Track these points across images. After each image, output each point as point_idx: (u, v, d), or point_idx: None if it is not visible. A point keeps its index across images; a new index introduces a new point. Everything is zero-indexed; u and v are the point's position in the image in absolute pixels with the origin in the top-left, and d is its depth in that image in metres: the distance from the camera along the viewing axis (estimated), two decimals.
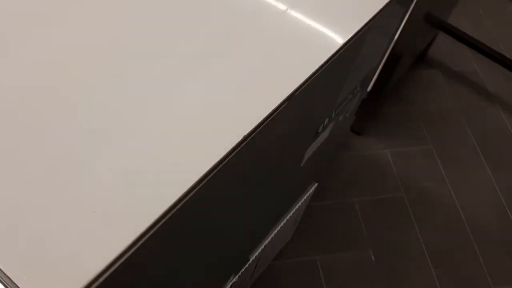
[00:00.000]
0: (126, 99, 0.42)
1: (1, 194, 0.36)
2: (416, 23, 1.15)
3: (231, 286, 0.85)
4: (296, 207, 0.98)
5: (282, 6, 0.51)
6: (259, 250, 0.92)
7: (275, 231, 0.94)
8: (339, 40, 0.50)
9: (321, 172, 0.98)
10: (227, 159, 0.41)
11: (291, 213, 0.97)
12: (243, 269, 0.89)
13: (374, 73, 0.76)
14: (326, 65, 0.49)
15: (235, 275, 0.87)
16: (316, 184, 1.01)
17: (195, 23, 0.48)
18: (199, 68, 0.45)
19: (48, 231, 0.35)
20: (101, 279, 0.34)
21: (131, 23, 0.48)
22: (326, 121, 0.68)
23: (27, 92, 0.41)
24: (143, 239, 0.36)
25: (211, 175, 0.40)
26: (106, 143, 0.40)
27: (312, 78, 0.48)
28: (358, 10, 0.53)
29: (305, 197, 0.99)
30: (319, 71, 0.48)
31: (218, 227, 0.57)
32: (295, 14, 0.51)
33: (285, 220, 0.96)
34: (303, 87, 0.47)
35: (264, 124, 0.43)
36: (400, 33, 1.18)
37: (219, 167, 0.40)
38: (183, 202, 0.38)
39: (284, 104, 0.45)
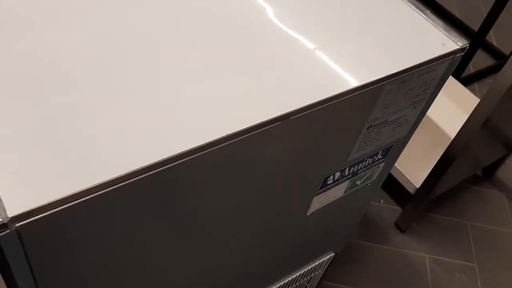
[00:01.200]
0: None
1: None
2: (475, 131, 1.14)
3: None
4: (306, 269, 0.97)
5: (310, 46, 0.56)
6: None
7: None
8: (353, 82, 0.53)
9: (338, 242, 0.97)
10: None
11: (298, 274, 0.96)
12: None
13: (401, 149, 0.77)
14: (332, 102, 0.52)
15: None
16: (333, 254, 1.00)
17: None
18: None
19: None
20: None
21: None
22: (338, 175, 0.70)
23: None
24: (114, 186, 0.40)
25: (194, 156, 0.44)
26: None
27: (315, 109, 0.51)
28: (383, 63, 0.56)
29: (317, 263, 0.98)
30: (324, 105, 0.52)
31: (209, 232, 0.59)
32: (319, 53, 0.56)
33: (290, 278, 0.95)
34: (302, 113, 0.50)
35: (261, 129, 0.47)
36: (456, 136, 1.18)
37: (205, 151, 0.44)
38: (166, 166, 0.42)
39: (281, 121, 0.49)
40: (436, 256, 1.44)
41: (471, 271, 1.42)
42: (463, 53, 0.63)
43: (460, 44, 0.62)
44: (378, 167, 0.77)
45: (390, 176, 1.43)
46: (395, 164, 1.38)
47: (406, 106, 0.66)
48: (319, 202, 0.73)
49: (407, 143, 0.77)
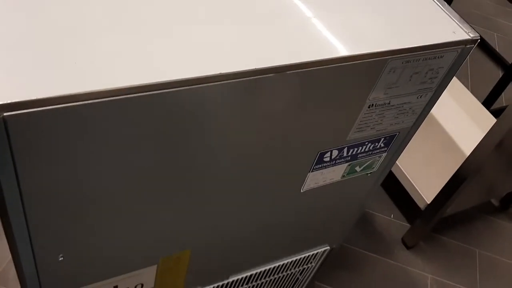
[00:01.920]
0: None
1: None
2: (489, 152, 1.12)
3: None
4: (298, 257, 0.96)
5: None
6: (242, 277, 0.91)
7: (269, 275, 0.93)
8: (355, 51, 0.54)
9: (333, 235, 0.97)
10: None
11: (289, 261, 0.96)
12: (214, 286, 0.89)
13: (405, 143, 0.77)
14: (331, 64, 0.53)
15: (202, 287, 0.87)
16: (328, 248, 1.00)
17: None
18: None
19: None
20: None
21: None
22: (335, 153, 0.70)
23: None
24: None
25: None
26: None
27: (312, 68, 0.52)
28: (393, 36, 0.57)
29: (310, 254, 0.98)
30: (321, 66, 0.53)
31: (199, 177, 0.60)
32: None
33: (281, 263, 0.95)
34: (298, 69, 0.51)
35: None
36: (470, 155, 1.17)
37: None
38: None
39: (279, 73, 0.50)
40: (439, 277, 1.41)
41: None
42: (473, 46, 0.64)
43: (471, 35, 0.63)
44: (379, 156, 0.77)
45: (402, 190, 1.41)
46: (408, 176, 1.37)
47: (411, 92, 0.66)
48: (314, 180, 0.74)
49: (411, 137, 0.77)
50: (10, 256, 1.15)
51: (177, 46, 0.49)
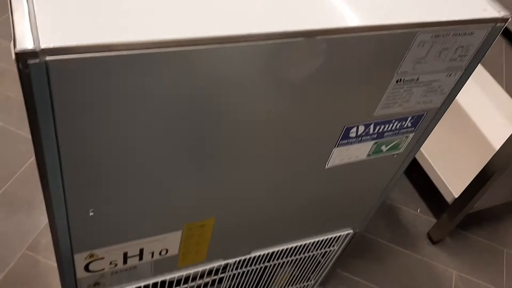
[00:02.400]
0: None
1: None
2: None
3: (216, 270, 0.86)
4: (320, 239, 0.97)
5: None
6: (263, 253, 0.93)
7: (290, 255, 0.94)
8: (384, 21, 0.55)
9: (356, 219, 0.97)
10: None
11: (311, 241, 0.97)
12: (236, 260, 0.90)
13: (433, 124, 0.77)
14: (360, 33, 0.54)
15: (224, 260, 0.89)
16: (351, 232, 1.00)
17: None
18: None
19: None
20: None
21: None
22: (362, 129, 0.71)
23: None
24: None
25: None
26: None
27: (341, 35, 0.53)
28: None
29: (333, 236, 0.99)
30: (350, 34, 0.54)
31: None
32: None
33: (303, 243, 0.96)
34: (327, 35, 0.53)
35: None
36: (499, 149, 1.15)
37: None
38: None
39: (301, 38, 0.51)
40: (464, 274, 1.39)
41: None
42: (504, 24, 0.63)
43: (502, 14, 0.62)
44: (406, 137, 0.78)
45: (430, 184, 1.40)
46: (436, 169, 1.36)
47: (441, 69, 0.66)
48: (339, 156, 0.75)
49: (438, 119, 0.77)
50: (42, 226, 1.19)
51: (209, 8, 0.51)
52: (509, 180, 1.27)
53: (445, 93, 0.72)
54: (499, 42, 2.21)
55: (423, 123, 0.76)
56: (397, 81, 0.65)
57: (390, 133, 0.75)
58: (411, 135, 0.78)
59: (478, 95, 1.54)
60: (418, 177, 1.56)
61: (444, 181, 1.34)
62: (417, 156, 1.42)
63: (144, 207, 0.67)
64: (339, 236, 1.00)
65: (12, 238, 1.16)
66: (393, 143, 0.78)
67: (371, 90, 0.65)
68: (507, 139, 1.14)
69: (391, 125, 0.73)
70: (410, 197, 1.54)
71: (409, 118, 0.74)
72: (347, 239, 1.02)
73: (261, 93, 0.57)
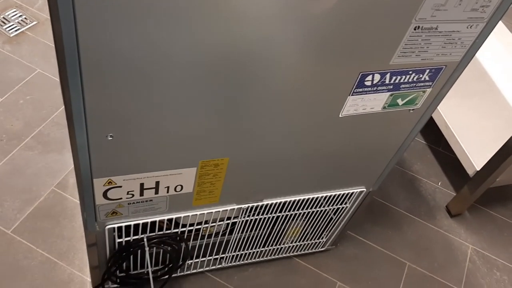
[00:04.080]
0: None
1: None
2: None
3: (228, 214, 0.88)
4: (333, 194, 0.99)
5: None
6: (275, 202, 0.95)
7: (303, 207, 0.95)
8: None
9: (370, 177, 0.98)
10: None
11: (324, 196, 0.99)
12: (248, 206, 0.93)
13: (452, 81, 0.77)
14: None
15: (237, 205, 0.92)
16: (364, 190, 1.01)
17: None
18: None
19: None
20: None
21: None
22: (377, 78, 0.72)
23: None
24: None
25: None
26: None
27: None
28: None
29: (345, 192, 1.00)
30: None
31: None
32: None
33: (315, 197, 0.97)
34: None
35: None
36: None
37: None
38: None
39: None
40: (481, 249, 1.39)
41: None
42: None
43: None
44: (423, 91, 0.78)
45: (452, 156, 1.39)
46: (459, 141, 1.35)
47: (461, 19, 0.66)
48: (354, 105, 0.76)
49: (458, 75, 0.77)
50: (71, 167, 1.25)
51: None
52: None
53: (465, 46, 0.71)
54: None
55: (441, 78, 0.76)
56: (415, 28, 0.65)
57: (406, 85, 0.75)
58: (428, 90, 0.78)
59: (505, 61, 1.50)
60: (441, 150, 1.55)
61: (467, 153, 1.32)
62: (442, 127, 1.41)
63: (162, 137, 0.70)
64: (352, 193, 1.02)
65: (44, 174, 1.22)
66: (410, 97, 0.78)
67: (388, 35, 0.65)
68: None
69: (408, 76, 0.74)
70: (433, 170, 1.53)
71: (427, 71, 0.74)
72: (360, 197, 1.03)
73: (278, 29, 0.59)
